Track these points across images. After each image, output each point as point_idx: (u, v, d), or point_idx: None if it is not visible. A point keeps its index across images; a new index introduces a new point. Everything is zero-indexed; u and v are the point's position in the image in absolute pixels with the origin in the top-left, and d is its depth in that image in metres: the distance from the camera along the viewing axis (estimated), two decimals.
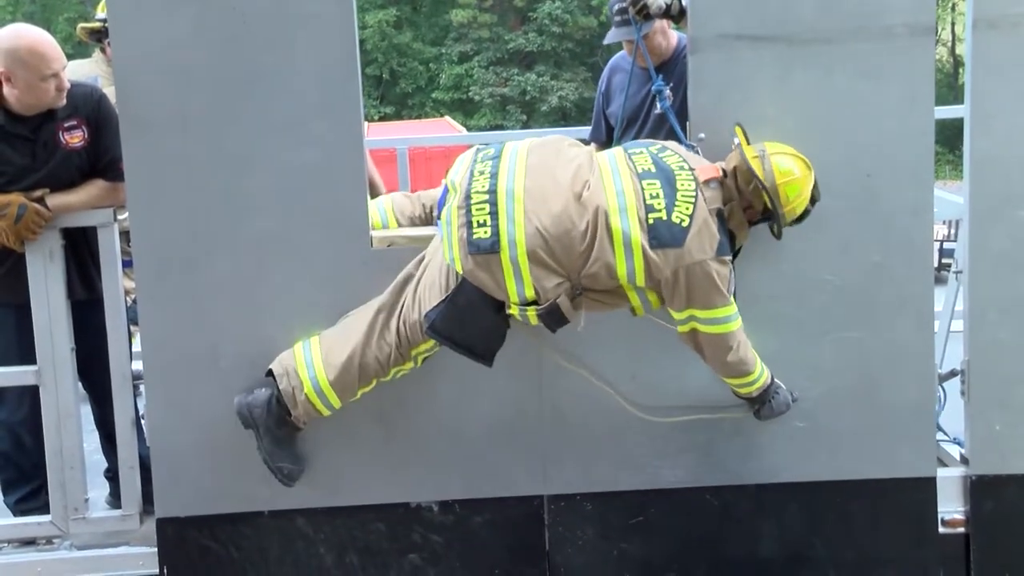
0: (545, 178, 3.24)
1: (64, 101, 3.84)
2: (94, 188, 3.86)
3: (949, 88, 30.49)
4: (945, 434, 4.18)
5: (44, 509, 3.87)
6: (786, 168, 3.33)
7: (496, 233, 3.17)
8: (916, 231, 3.70)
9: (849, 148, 3.64)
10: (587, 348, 3.59)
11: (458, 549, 3.77)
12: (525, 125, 31.26)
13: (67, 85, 3.81)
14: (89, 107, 3.94)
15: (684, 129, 3.72)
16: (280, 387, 3.47)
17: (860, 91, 3.62)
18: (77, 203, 3.80)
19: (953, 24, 33.92)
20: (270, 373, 3.51)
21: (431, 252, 3.43)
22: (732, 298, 3.32)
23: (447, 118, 27.27)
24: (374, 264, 3.59)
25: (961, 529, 3.85)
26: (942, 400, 4.24)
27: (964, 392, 3.87)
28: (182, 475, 3.68)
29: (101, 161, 3.92)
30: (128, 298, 4.12)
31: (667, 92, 4.22)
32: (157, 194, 3.57)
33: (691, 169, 3.29)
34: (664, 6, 4.02)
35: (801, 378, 3.67)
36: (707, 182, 3.28)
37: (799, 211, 3.38)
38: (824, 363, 3.69)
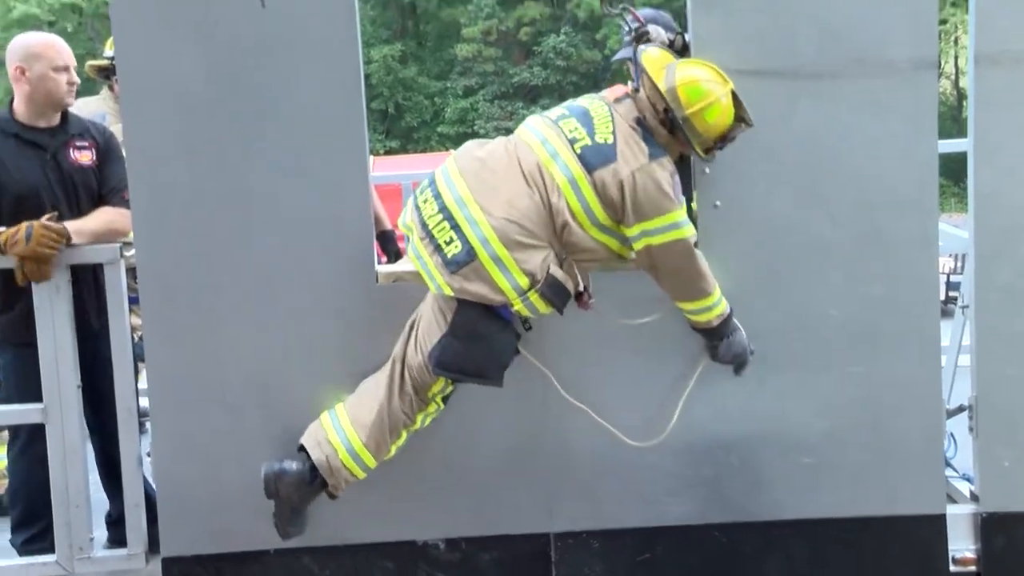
0: (482, 173, 3.35)
1: (73, 100, 4.04)
2: (110, 213, 3.94)
3: (953, 121, 30.53)
4: (955, 470, 4.16)
5: (50, 549, 3.84)
6: (687, 73, 3.37)
7: (466, 241, 3.23)
8: (922, 264, 3.70)
9: (853, 181, 3.65)
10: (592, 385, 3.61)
11: None
12: None
13: (77, 81, 4.01)
14: (99, 134, 4.13)
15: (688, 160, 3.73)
16: (314, 458, 3.44)
17: (864, 124, 3.63)
18: (97, 227, 3.86)
19: (956, 57, 34.03)
20: (302, 448, 3.48)
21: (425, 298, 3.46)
22: (681, 204, 3.34)
23: (452, 152, 27.37)
24: (381, 299, 3.60)
25: (972, 568, 3.81)
26: (954, 446, 4.24)
27: (972, 428, 3.84)
28: (188, 513, 3.66)
29: (108, 185, 4.02)
30: (135, 335, 4.13)
31: None
32: (163, 228, 3.58)
33: (601, 97, 3.48)
34: (667, 41, 4.04)
35: (807, 413, 3.67)
36: (617, 100, 3.43)
37: (714, 123, 3.36)
38: (830, 398, 3.68)
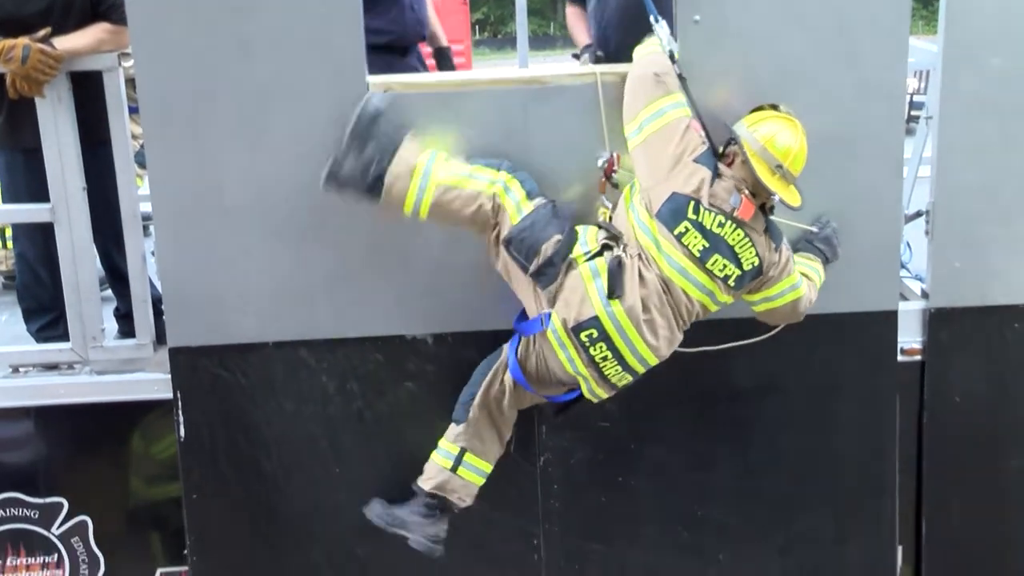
0: (655, 326, 3.28)
1: None
2: (99, 31, 3.82)
3: None
4: (908, 271, 4.29)
5: (64, 337, 3.96)
6: (783, 145, 3.31)
7: (635, 374, 3.36)
8: (890, 79, 3.69)
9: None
10: None
11: (451, 378, 3.82)
12: None
13: None
14: None
15: None
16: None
17: None
18: (84, 46, 3.75)
19: None
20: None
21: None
22: (795, 268, 3.46)
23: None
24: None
25: (918, 357, 3.99)
26: (909, 251, 4.35)
27: (928, 231, 3.94)
28: (191, 308, 3.72)
29: (103, 3, 3.87)
30: (136, 143, 4.12)
31: None
32: (160, 39, 3.51)
33: (730, 217, 3.26)
34: None
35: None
36: (753, 218, 3.29)
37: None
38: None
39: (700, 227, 3.24)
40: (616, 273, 3.24)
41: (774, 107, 3.40)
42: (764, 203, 3.33)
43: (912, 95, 8.80)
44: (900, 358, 3.94)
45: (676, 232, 3.24)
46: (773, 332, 3.67)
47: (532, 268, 3.30)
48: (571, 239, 3.33)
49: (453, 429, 3.63)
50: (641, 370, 3.34)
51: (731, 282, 3.30)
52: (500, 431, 3.64)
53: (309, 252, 3.69)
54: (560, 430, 3.91)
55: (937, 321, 3.96)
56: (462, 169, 3.42)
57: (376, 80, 3.62)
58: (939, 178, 3.89)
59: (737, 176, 3.29)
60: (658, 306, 3.26)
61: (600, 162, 3.54)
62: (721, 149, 3.38)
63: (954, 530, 4.17)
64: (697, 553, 4.01)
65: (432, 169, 3.39)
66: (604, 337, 3.24)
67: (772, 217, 3.40)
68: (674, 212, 3.25)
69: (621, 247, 3.30)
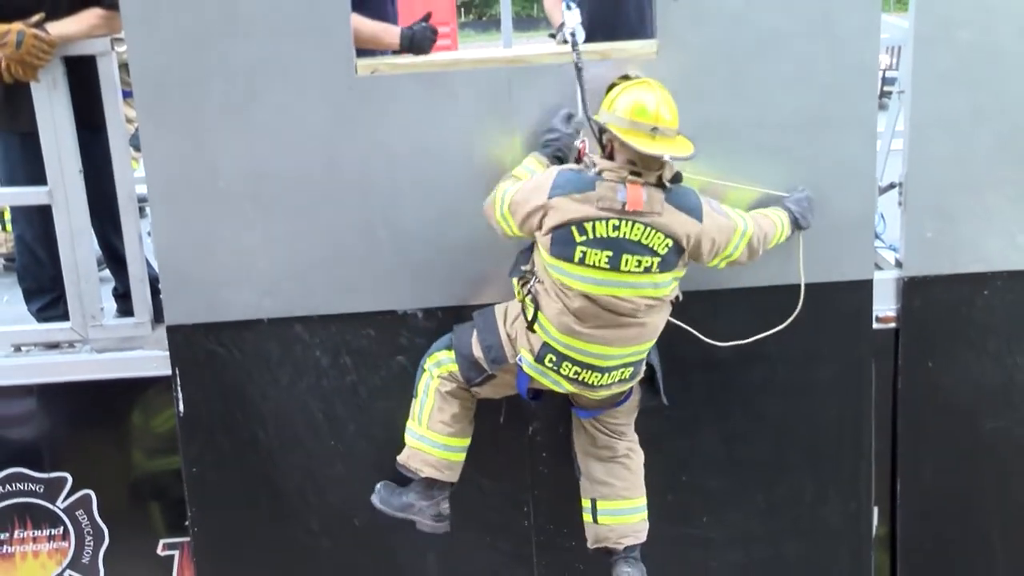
0: (612, 332, 3.31)
1: None
2: (92, 16, 3.79)
3: None
4: (883, 242, 4.32)
5: (64, 316, 3.96)
6: (631, 102, 3.23)
7: (628, 364, 3.42)
8: (864, 54, 3.70)
9: None
10: None
11: None
12: None
13: None
14: None
15: None
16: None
17: None
18: (77, 31, 3.73)
19: None
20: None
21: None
22: (731, 215, 3.41)
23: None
24: (360, 90, 3.58)
25: (892, 325, 4.02)
26: (883, 223, 4.37)
27: (901, 202, 3.96)
28: (188, 287, 3.73)
29: None
30: (131, 126, 4.11)
31: None
32: (152, 23, 3.51)
33: (623, 215, 3.18)
34: None
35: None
36: (649, 203, 3.20)
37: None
38: (779, 179, 3.72)
39: (595, 242, 3.19)
40: (532, 305, 3.34)
41: (626, 77, 3.38)
42: (661, 175, 3.24)
43: (884, 71, 8.80)
44: (875, 325, 3.96)
45: (576, 259, 3.22)
46: (786, 323, 3.73)
47: (489, 369, 3.47)
48: (486, 319, 3.52)
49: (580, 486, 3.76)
50: (623, 360, 3.37)
51: (655, 269, 3.25)
52: (624, 467, 3.69)
53: (302, 230, 3.70)
54: (549, 399, 3.93)
55: (910, 289, 3.99)
56: (419, 398, 3.61)
57: (363, 62, 3.62)
58: (911, 151, 3.90)
59: (620, 161, 3.23)
60: (593, 313, 3.27)
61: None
62: (599, 142, 3.35)
63: (928, 492, 4.21)
64: (682, 516, 4.05)
65: (417, 431, 3.59)
66: (563, 356, 3.33)
67: (740, 184, 3.49)
68: (563, 245, 3.22)
69: (534, 279, 3.37)
